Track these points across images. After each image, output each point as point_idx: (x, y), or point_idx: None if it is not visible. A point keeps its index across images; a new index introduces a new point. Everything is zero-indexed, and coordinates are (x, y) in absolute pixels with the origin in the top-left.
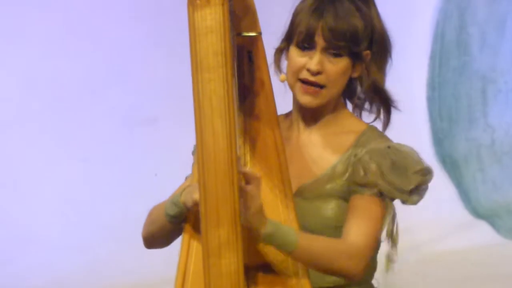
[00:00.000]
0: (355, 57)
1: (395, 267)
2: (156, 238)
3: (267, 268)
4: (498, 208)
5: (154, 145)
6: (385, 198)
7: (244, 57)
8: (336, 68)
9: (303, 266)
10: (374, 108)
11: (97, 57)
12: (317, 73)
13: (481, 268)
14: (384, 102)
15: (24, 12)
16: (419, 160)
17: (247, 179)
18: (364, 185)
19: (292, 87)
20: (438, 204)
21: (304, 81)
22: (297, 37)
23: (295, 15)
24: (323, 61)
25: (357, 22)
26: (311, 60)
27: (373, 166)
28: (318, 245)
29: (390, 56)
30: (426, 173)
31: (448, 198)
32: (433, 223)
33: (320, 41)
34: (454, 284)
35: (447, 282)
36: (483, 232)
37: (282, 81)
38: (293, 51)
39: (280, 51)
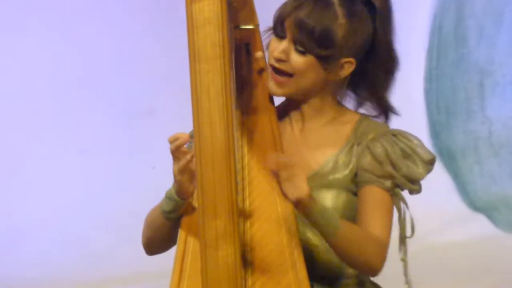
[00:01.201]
0: (323, 60)
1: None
2: (155, 241)
3: (265, 259)
4: (496, 201)
5: (152, 137)
6: (396, 189)
7: (242, 49)
8: (301, 60)
9: (300, 259)
10: (374, 111)
11: (96, 49)
12: (279, 59)
13: (478, 260)
14: (384, 113)
15: (23, 3)
16: (425, 148)
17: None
18: (379, 176)
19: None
20: (435, 196)
21: (274, 68)
22: (273, 24)
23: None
24: (290, 50)
25: (335, 28)
26: (278, 47)
27: (384, 156)
28: (355, 231)
29: (393, 74)
30: (433, 162)
31: (445, 191)
32: (430, 215)
33: (288, 31)
34: (450, 276)
35: (443, 274)
36: (480, 225)
37: (258, 57)
38: (272, 37)
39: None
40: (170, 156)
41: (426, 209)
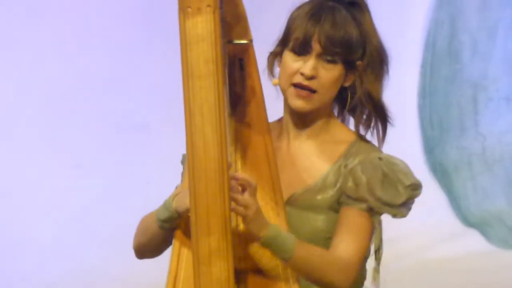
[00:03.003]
0: (349, 66)
1: (383, 276)
2: (147, 247)
3: (258, 274)
4: (489, 217)
5: (146, 152)
6: (374, 212)
7: (236, 64)
8: (329, 74)
9: (293, 274)
10: (369, 120)
11: (90, 63)
12: (311, 77)
13: (472, 276)
14: (379, 115)
15: (17, 18)
16: (410, 174)
17: (241, 186)
18: (355, 199)
19: (284, 92)
20: (429, 212)
21: (297, 85)
22: (293, 42)
23: (292, 20)
24: (318, 66)
25: (353, 31)
26: (306, 65)
27: (363, 180)
28: (314, 256)
29: (387, 67)
30: (416, 188)
31: (439, 207)
32: (423, 231)
33: (316, 47)
34: None
35: None
36: (474, 241)
37: (275, 84)
38: (288, 55)
39: (274, 56)
40: (164, 171)
41: (419, 224)
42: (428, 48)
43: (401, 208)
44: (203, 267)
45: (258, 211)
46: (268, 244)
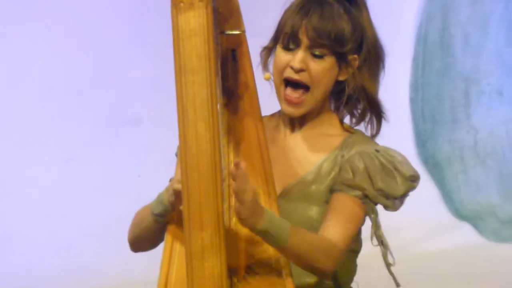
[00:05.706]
0: (340, 59)
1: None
2: (142, 241)
3: (251, 270)
4: (481, 210)
5: (138, 146)
6: (367, 200)
7: (228, 56)
8: (320, 66)
9: (286, 267)
10: (363, 115)
11: (82, 57)
12: (300, 70)
13: (463, 269)
14: (374, 110)
15: (9, 11)
16: (408, 165)
17: (232, 177)
18: (350, 187)
19: (277, 90)
20: (421, 205)
21: (288, 80)
22: (282, 37)
23: (283, 16)
24: (307, 59)
25: (344, 25)
26: (294, 58)
27: (361, 168)
28: (306, 243)
29: (383, 64)
30: (415, 179)
31: (431, 200)
32: (415, 224)
33: (304, 39)
34: (436, 284)
35: (429, 283)
36: (466, 234)
37: (266, 79)
38: (279, 50)
39: (268, 50)
40: (156, 165)
41: (412, 217)
42: (420, 42)
43: (397, 201)
44: (196, 262)
45: (253, 199)
46: (263, 235)
